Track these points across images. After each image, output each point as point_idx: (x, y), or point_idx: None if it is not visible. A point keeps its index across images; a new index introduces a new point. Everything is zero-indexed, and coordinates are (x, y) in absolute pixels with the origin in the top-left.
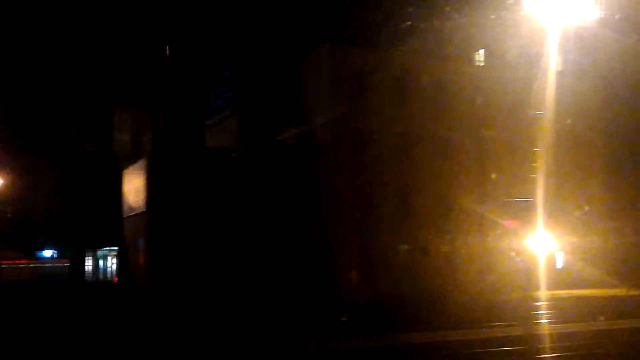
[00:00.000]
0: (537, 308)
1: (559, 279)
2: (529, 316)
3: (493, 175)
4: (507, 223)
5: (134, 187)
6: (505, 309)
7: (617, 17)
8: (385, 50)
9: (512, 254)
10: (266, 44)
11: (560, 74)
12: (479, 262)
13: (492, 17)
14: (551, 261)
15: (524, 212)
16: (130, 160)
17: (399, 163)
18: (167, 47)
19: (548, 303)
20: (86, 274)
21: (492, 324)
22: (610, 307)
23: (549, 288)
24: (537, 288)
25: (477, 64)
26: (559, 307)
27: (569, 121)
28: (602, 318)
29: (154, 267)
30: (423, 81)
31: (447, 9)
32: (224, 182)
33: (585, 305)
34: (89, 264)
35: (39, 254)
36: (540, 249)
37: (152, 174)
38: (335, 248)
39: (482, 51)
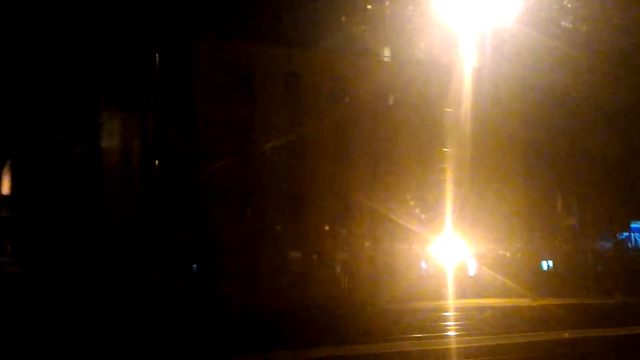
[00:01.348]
0: (446, 319)
1: (471, 287)
2: (437, 328)
3: (399, 177)
4: (416, 228)
5: None
6: (413, 320)
7: (536, 16)
8: (275, 44)
9: (419, 260)
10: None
11: (476, 73)
12: (384, 270)
13: (400, 11)
14: (462, 268)
15: (433, 217)
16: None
17: (291, 164)
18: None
19: (457, 313)
20: None
21: (400, 336)
22: (520, 318)
23: (460, 297)
24: (448, 297)
25: (384, 60)
26: (468, 318)
27: (481, 121)
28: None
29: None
30: (321, 77)
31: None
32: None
33: (493, 316)
34: None
35: None
36: (451, 255)
37: None
38: (219, 256)
39: (388, 47)
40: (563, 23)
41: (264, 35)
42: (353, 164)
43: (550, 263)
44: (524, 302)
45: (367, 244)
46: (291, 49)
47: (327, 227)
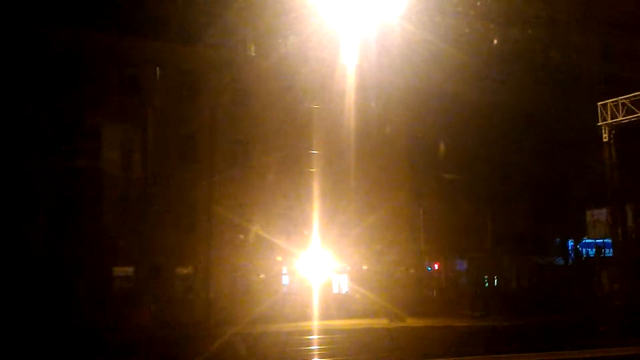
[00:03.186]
0: (309, 343)
1: (339, 307)
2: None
3: (261, 183)
4: (280, 240)
5: None
6: (271, 345)
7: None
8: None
9: (283, 277)
10: None
11: (352, 70)
12: (241, 287)
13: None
14: (331, 286)
15: (300, 228)
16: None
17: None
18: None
19: (321, 337)
20: None
21: None
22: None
23: (326, 317)
24: (312, 318)
25: (248, 54)
26: (330, 342)
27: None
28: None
29: None
30: (172, 71)
31: None
32: None
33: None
34: None
35: None
36: (319, 271)
37: None
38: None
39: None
40: (447, 22)
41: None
42: (205, 168)
43: None
44: (381, 323)
45: (220, 257)
46: (126, 39)
47: (170, 239)
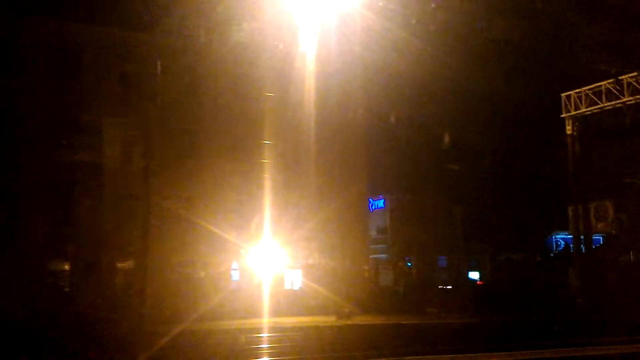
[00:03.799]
0: (258, 341)
1: (291, 303)
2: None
3: (210, 175)
4: (229, 235)
5: None
6: (219, 343)
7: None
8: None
9: (233, 272)
10: None
11: (306, 58)
12: (189, 283)
13: None
14: (282, 282)
15: (251, 222)
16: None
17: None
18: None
19: (272, 335)
20: None
21: None
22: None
23: (275, 314)
24: (262, 314)
25: (203, 41)
26: (278, 341)
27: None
28: None
29: None
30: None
31: None
32: None
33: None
34: None
35: None
36: (270, 267)
37: None
38: None
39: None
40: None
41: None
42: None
43: None
44: (329, 321)
45: (164, 251)
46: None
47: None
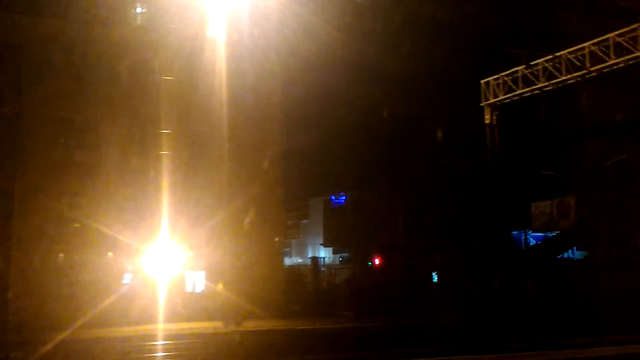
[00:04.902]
0: (152, 349)
1: (190, 307)
2: None
3: (99, 166)
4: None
5: None
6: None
7: None
8: None
9: (124, 274)
10: None
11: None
12: (73, 285)
13: None
14: (181, 284)
15: (146, 220)
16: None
17: None
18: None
19: (168, 343)
20: None
21: None
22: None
23: (171, 320)
24: (157, 320)
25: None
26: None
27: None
28: None
29: None
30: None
31: None
32: None
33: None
34: None
35: None
36: (168, 268)
37: None
38: None
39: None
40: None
41: None
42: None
43: None
44: (216, 327)
45: (42, 253)
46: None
47: None
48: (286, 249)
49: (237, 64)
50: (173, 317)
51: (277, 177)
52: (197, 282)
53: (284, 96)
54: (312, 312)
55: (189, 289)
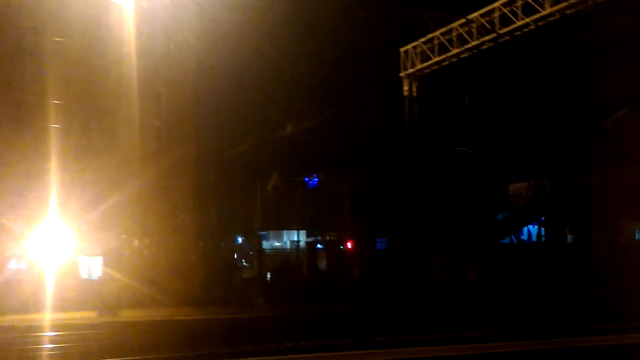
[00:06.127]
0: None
1: (84, 296)
2: None
3: None
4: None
5: None
6: None
7: None
8: None
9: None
10: None
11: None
12: None
13: None
14: (75, 271)
15: (32, 201)
16: None
17: None
18: None
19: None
20: None
21: None
22: None
23: (61, 309)
24: (44, 309)
25: None
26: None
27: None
28: None
29: None
30: None
31: None
32: None
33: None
34: None
35: None
36: (60, 254)
37: None
38: None
39: None
40: None
41: None
42: None
43: None
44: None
45: None
46: None
47: None
48: (264, 233)
49: (147, 33)
50: (61, 305)
51: (191, 152)
52: (94, 268)
53: (198, 68)
54: (230, 300)
55: (84, 275)
